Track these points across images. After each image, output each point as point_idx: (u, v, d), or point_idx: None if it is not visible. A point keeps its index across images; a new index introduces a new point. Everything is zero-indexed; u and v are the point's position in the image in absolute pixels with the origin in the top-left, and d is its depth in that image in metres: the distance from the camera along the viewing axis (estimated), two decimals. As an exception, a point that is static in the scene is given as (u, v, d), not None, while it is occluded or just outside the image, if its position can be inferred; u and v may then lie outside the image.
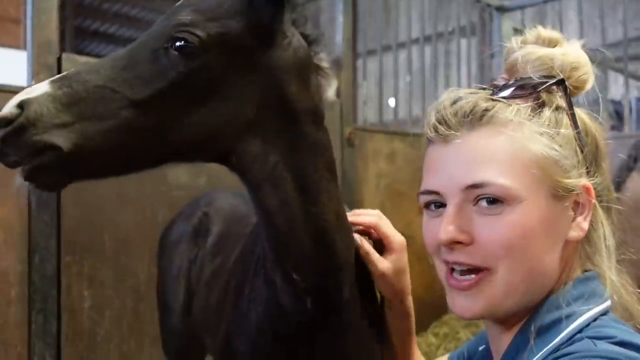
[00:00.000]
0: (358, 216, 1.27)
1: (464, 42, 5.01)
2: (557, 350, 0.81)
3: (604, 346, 0.77)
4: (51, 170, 0.96)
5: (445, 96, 0.95)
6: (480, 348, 1.13)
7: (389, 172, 4.02)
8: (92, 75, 1.00)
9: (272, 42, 1.08)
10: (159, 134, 1.02)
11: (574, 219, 0.90)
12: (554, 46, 0.96)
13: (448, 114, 0.91)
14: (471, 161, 0.88)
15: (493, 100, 0.91)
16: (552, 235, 0.88)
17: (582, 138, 0.91)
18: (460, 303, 0.91)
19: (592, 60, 0.96)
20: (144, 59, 1.02)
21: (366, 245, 1.22)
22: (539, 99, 0.91)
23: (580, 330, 0.82)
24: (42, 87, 0.97)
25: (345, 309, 1.20)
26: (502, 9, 5.18)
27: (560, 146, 0.88)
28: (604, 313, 0.85)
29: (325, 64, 1.20)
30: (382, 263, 1.22)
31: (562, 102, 0.92)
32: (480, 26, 5.48)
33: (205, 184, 2.90)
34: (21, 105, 0.94)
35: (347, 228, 1.20)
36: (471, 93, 0.93)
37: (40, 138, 0.93)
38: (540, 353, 0.83)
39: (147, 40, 1.05)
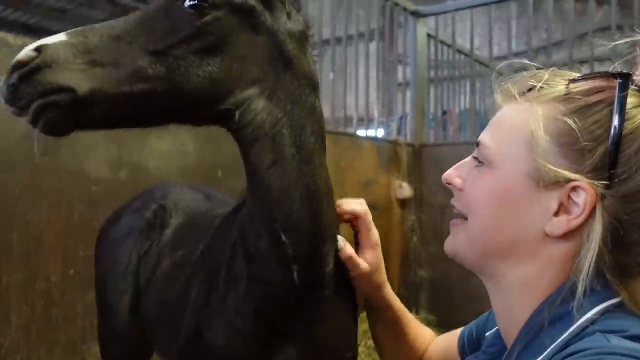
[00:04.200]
0: (346, 204, 1.27)
1: (372, 45, 5.11)
2: (568, 346, 0.79)
3: (617, 341, 0.75)
4: (61, 110, 0.97)
5: (533, 74, 0.97)
6: (489, 333, 1.16)
7: (311, 170, 3.99)
8: (107, 28, 1.05)
9: (274, 8, 1.16)
10: (170, 84, 1.05)
11: (556, 214, 0.87)
12: None
13: (513, 86, 0.97)
14: (490, 124, 0.99)
15: (561, 78, 0.93)
16: (516, 213, 0.90)
17: (617, 139, 0.83)
18: (446, 241, 1.05)
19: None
20: (157, 14, 1.09)
21: (348, 248, 1.23)
22: (595, 87, 0.88)
23: (592, 322, 0.80)
24: (59, 37, 1.00)
25: (328, 285, 1.22)
26: (417, 14, 5.34)
27: (566, 135, 0.86)
28: (615, 307, 0.83)
29: (313, 47, 1.28)
30: (363, 264, 1.24)
31: (614, 97, 0.85)
32: (389, 30, 5.61)
33: (126, 178, 2.70)
34: (38, 49, 0.97)
35: (334, 202, 1.24)
36: (564, 76, 0.94)
37: (55, 79, 0.95)
38: (552, 347, 0.81)
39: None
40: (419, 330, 1.42)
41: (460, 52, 6.06)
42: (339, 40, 4.69)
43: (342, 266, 1.25)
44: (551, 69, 0.97)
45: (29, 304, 2.41)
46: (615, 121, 0.83)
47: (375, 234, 1.29)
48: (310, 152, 1.15)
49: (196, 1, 1.07)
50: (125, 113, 1.06)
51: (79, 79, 0.97)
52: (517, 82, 0.98)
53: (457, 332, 1.36)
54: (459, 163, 1.04)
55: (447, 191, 1.06)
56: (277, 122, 1.13)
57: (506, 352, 0.95)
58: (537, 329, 0.85)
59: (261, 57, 1.14)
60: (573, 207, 0.85)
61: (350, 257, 1.23)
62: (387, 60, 7.59)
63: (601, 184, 0.83)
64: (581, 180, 0.84)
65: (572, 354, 0.75)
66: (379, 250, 1.29)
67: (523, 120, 0.91)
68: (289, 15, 1.19)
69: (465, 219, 0.98)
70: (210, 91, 1.09)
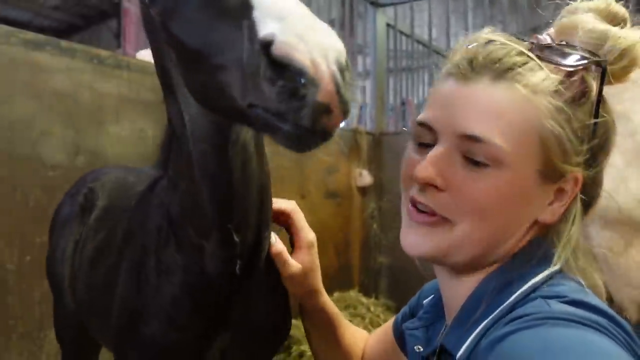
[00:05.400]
0: (274, 204, 1.23)
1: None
2: (512, 311, 0.82)
3: (557, 306, 0.77)
4: None
5: (481, 34, 0.92)
6: (426, 301, 1.14)
7: (270, 156, 3.98)
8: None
9: None
10: None
11: (551, 203, 0.89)
12: (617, 25, 0.89)
13: (478, 54, 0.88)
14: (479, 112, 0.85)
15: (527, 56, 0.88)
16: (524, 210, 0.88)
17: (596, 129, 0.87)
18: (412, 239, 0.91)
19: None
20: None
21: (279, 245, 1.20)
22: (573, 75, 0.86)
23: (533, 290, 0.84)
24: (323, 27, 0.71)
25: (261, 269, 1.19)
26: (376, 4, 5.39)
27: (571, 129, 0.86)
28: (555, 274, 0.86)
29: None
30: (292, 266, 1.21)
31: (594, 86, 0.87)
32: (349, 20, 5.64)
33: (84, 164, 2.66)
34: (345, 65, 0.71)
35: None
36: (508, 40, 0.90)
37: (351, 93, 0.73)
38: (496, 312, 0.84)
39: None
40: (357, 334, 1.38)
41: (419, 42, 6.15)
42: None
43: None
44: (506, 39, 0.91)
45: (-17, 293, 2.36)
46: (595, 109, 0.87)
47: (308, 234, 1.25)
48: (262, 146, 1.10)
49: None
50: None
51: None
52: (480, 53, 0.89)
53: (390, 322, 1.35)
54: (433, 157, 0.88)
55: None
56: None
57: (448, 317, 0.97)
58: (484, 294, 0.88)
59: None
60: (562, 194, 0.89)
61: (279, 254, 1.19)
62: (347, 50, 7.62)
63: (584, 170, 0.88)
64: (578, 172, 0.88)
65: (515, 319, 0.78)
66: (314, 251, 1.25)
67: (532, 114, 0.85)
68: None
69: (444, 219, 0.89)
70: None
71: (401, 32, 5.82)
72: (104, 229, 1.56)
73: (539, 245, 0.90)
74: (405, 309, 1.28)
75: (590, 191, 0.92)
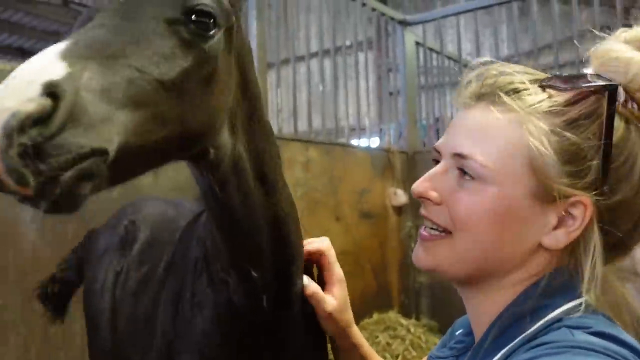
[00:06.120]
0: (309, 245, 1.25)
1: (361, 55, 5.15)
2: (535, 338, 0.82)
3: (581, 336, 0.77)
4: (92, 181, 0.70)
5: (495, 68, 0.94)
6: (458, 332, 1.14)
7: (304, 180, 4.03)
8: (105, 50, 0.77)
9: (234, 23, 1.02)
10: (180, 122, 0.85)
11: (555, 228, 0.87)
12: None
13: (481, 85, 0.92)
14: (469, 131, 0.91)
15: (529, 82, 0.89)
16: (519, 230, 0.88)
17: (608, 152, 0.84)
18: (417, 252, 0.99)
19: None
20: (156, 31, 0.84)
21: (313, 285, 1.21)
22: (579, 98, 0.86)
23: (558, 320, 0.83)
24: (59, 65, 0.70)
25: (296, 302, 1.19)
26: (404, 23, 5.40)
27: (569, 151, 0.84)
28: (581, 306, 0.84)
29: None
30: (328, 303, 1.21)
31: (604, 109, 0.85)
32: (377, 40, 5.66)
33: (118, 195, 2.72)
34: (52, 94, 0.66)
35: (297, 215, 1.20)
36: (523, 72, 0.91)
37: (87, 140, 0.67)
38: (517, 339, 0.84)
39: (149, 7, 0.86)
40: None
41: (449, 58, 6.12)
42: (326, 52, 4.74)
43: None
44: (511, 66, 0.94)
45: (26, 324, 2.43)
46: (605, 134, 0.83)
47: (339, 270, 1.26)
48: (273, 180, 1.09)
49: (204, 19, 0.88)
50: (144, 160, 0.84)
51: (108, 134, 0.71)
52: (485, 81, 0.92)
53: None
54: (430, 173, 0.96)
55: None
56: (240, 157, 1.03)
57: (476, 342, 0.96)
58: (507, 322, 0.88)
59: (234, 81, 1.01)
60: (569, 220, 0.86)
61: (315, 293, 1.20)
62: (377, 69, 7.66)
63: (596, 196, 0.84)
64: (582, 195, 0.84)
65: (538, 345, 0.78)
66: (344, 286, 1.25)
67: (519, 134, 0.86)
68: (240, 30, 1.06)
69: (445, 232, 0.93)
70: (205, 127, 0.92)
71: (431, 49, 5.81)
72: (147, 262, 1.59)
73: (559, 275, 0.88)
74: (438, 345, 1.27)
75: (616, 223, 0.87)
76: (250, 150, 1.06)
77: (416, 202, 4.21)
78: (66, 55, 0.72)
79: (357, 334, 1.29)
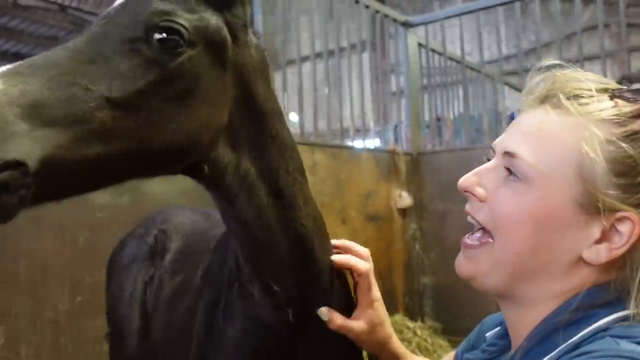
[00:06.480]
0: (349, 252, 1.21)
1: (365, 56, 5.15)
2: (578, 347, 0.80)
3: (626, 345, 0.75)
4: (12, 193, 0.73)
5: (565, 73, 0.92)
6: (489, 333, 1.12)
7: (311, 184, 3.98)
8: (52, 68, 0.81)
9: (237, 39, 1.02)
10: (136, 139, 0.87)
11: (598, 242, 0.84)
12: None
13: (546, 89, 0.91)
14: (523, 132, 0.90)
15: (598, 90, 0.87)
16: (559, 239, 0.86)
17: None
18: (459, 259, 0.98)
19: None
20: (116, 50, 0.87)
21: (335, 317, 1.15)
22: None
23: (603, 330, 0.81)
24: None
25: (323, 323, 1.16)
26: (407, 25, 5.39)
27: (620, 163, 0.81)
28: (629, 318, 0.82)
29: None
30: (356, 326, 1.17)
31: None
32: (380, 42, 5.67)
33: (128, 203, 2.72)
34: None
35: (325, 231, 1.17)
36: (594, 80, 0.89)
37: (0, 153, 0.71)
38: (561, 347, 0.82)
39: (113, 29, 0.89)
40: None
41: (451, 58, 6.12)
42: (331, 53, 4.73)
43: (342, 293, 1.20)
44: (585, 72, 0.92)
45: (37, 334, 2.42)
46: None
47: (375, 291, 1.21)
48: (291, 196, 1.07)
49: (167, 34, 0.88)
50: (90, 177, 0.87)
51: (28, 149, 0.73)
52: (552, 85, 0.91)
53: (452, 354, 1.32)
54: (479, 169, 0.96)
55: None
56: (247, 173, 1.03)
57: (513, 349, 0.95)
58: (550, 330, 0.86)
59: (229, 99, 1.00)
60: (615, 236, 0.83)
61: (340, 327, 1.15)
62: (379, 70, 7.67)
63: None
64: (631, 211, 0.81)
65: (582, 354, 0.77)
66: (378, 305, 1.21)
67: (574, 139, 0.84)
68: (251, 42, 1.05)
69: (486, 232, 0.92)
70: (182, 144, 0.93)
71: (433, 50, 5.80)
72: (182, 271, 1.59)
73: (604, 290, 0.85)
74: (464, 344, 1.26)
75: None
76: (261, 167, 1.05)
77: (421, 204, 4.22)
78: (6, 74, 0.78)
79: (397, 348, 1.26)
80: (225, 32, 0.98)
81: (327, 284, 1.17)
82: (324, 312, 1.14)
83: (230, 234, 1.15)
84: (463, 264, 0.97)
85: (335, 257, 1.19)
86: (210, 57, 0.95)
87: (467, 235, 0.97)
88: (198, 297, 1.36)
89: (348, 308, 1.22)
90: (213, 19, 0.97)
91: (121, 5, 0.94)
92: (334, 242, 1.24)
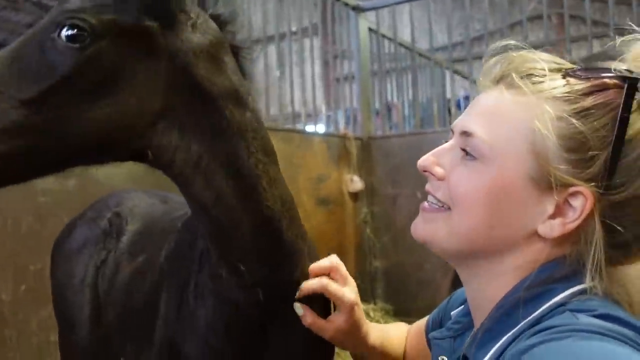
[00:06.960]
0: (334, 275, 1.20)
1: (315, 40, 5.14)
2: (539, 323, 0.81)
3: (586, 319, 0.77)
4: None
5: (520, 54, 0.92)
6: (454, 312, 1.14)
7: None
8: None
9: (173, 25, 1.01)
10: (56, 134, 0.92)
11: (552, 217, 0.86)
12: None
13: (501, 70, 0.93)
14: (479, 112, 0.93)
15: (550, 69, 0.88)
16: (514, 214, 0.88)
17: (619, 145, 0.82)
18: (416, 223, 1.01)
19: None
20: (30, 52, 0.94)
21: (308, 317, 1.16)
22: (598, 87, 0.84)
23: (562, 304, 0.82)
24: None
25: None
26: (357, 9, 5.40)
27: (571, 138, 0.83)
28: (586, 291, 0.83)
29: (242, 44, 1.17)
30: (327, 330, 1.18)
31: (621, 102, 0.82)
32: (331, 25, 5.66)
33: (75, 188, 2.62)
34: None
35: (295, 212, 1.17)
36: (549, 60, 0.90)
37: None
38: (522, 323, 0.84)
39: (35, 32, 0.96)
40: (402, 342, 1.37)
41: (401, 45, 6.17)
42: (282, 36, 4.68)
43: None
44: (541, 50, 0.94)
45: (-23, 326, 2.31)
46: (617, 127, 0.81)
47: (349, 295, 1.18)
48: (253, 176, 1.06)
49: (72, 31, 0.92)
50: (12, 171, 0.94)
51: None
52: (507, 66, 0.92)
53: (424, 321, 1.34)
54: (438, 149, 0.98)
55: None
56: (200, 157, 1.03)
57: (475, 328, 0.96)
58: (509, 307, 0.88)
59: (161, 85, 1.00)
60: (569, 211, 0.85)
61: (313, 324, 1.16)
62: (330, 55, 7.66)
63: (599, 190, 0.82)
64: (582, 186, 0.83)
65: (542, 330, 0.78)
66: (352, 313, 1.18)
67: (526, 117, 0.86)
68: (194, 27, 1.04)
69: (446, 208, 0.95)
70: (110, 135, 0.97)
71: (384, 36, 5.84)
72: (142, 252, 1.56)
73: (561, 264, 0.87)
74: (434, 314, 1.28)
75: (623, 220, 0.84)
76: (215, 150, 1.04)
77: (372, 188, 4.28)
78: None
79: (371, 341, 1.25)
80: (146, 20, 0.98)
81: (299, 263, 1.16)
82: (297, 306, 1.15)
83: (194, 216, 1.15)
84: (420, 227, 0.99)
85: (309, 283, 1.17)
86: (127, 46, 0.97)
87: (423, 203, 1.00)
88: (162, 277, 1.34)
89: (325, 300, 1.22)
90: (131, 9, 0.97)
91: (50, 10, 1.00)
92: (320, 262, 1.21)
